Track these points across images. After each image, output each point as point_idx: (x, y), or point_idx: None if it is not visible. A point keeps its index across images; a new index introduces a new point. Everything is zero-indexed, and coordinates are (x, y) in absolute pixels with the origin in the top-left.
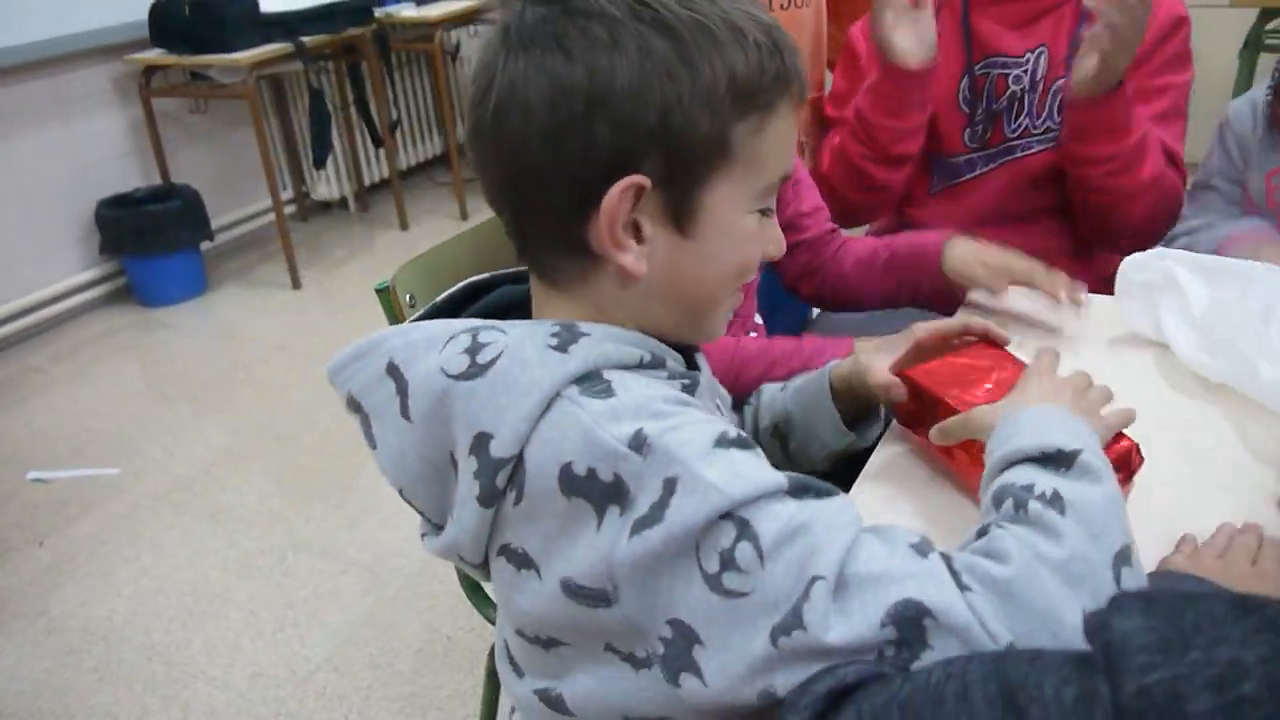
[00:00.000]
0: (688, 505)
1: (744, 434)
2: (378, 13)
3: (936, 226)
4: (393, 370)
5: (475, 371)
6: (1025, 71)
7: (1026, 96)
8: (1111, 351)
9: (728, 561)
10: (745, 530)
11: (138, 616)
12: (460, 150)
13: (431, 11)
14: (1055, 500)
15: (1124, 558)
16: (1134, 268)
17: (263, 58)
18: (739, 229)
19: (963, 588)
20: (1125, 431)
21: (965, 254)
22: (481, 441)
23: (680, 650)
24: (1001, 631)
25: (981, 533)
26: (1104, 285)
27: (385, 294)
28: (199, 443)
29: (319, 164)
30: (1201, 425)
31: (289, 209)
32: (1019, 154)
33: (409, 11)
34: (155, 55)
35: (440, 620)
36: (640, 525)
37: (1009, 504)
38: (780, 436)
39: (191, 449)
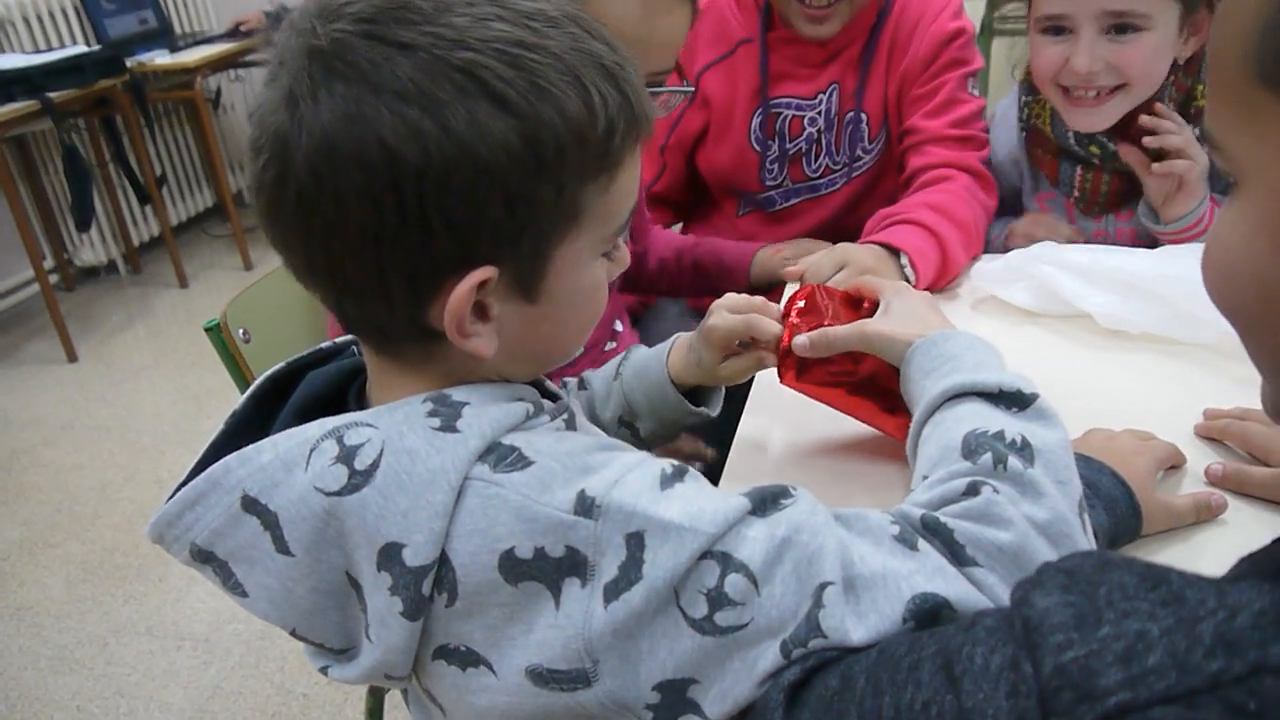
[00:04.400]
0: (665, 555)
1: (676, 464)
2: (130, 62)
3: (749, 240)
4: (251, 505)
5: (359, 481)
6: (820, 113)
7: (823, 136)
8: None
9: (718, 600)
10: (729, 563)
11: None
12: (236, 199)
13: (188, 58)
14: (1025, 449)
15: (1082, 505)
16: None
17: (4, 118)
18: (588, 280)
19: (967, 561)
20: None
21: (771, 265)
22: (391, 554)
23: (673, 702)
24: (1006, 597)
25: (971, 490)
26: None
27: (215, 332)
28: None
29: (83, 227)
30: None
31: (52, 278)
32: (824, 191)
33: (163, 59)
34: None
35: (292, 680)
36: (615, 589)
37: (988, 458)
38: (628, 425)
39: None
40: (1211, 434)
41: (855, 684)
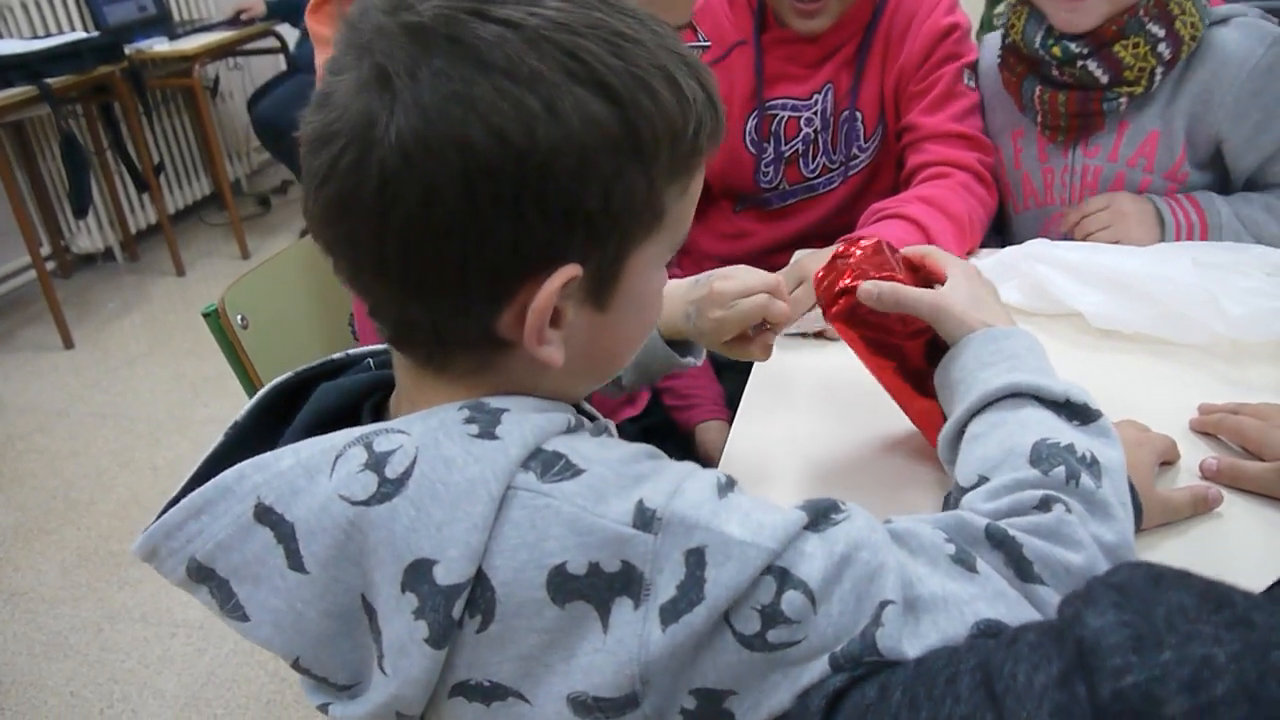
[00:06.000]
0: (727, 573)
1: (725, 475)
2: (128, 49)
3: (746, 236)
4: (265, 514)
5: (390, 490)
6: (815, 113)
7: (820, 136)
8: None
9: (772, 617)
10: (787, 579)
11: None
12: (234, 188)
13: (186, 46)
14: (1094, 466)
15: (1135, 530)
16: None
17: (2, 103)
18: (652, 289)
19: (1032, 579)
20: None
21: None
22: (420, 571)
23: (706, 709)
24: None
25: (1043, 505)
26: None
27: (214, 318)
28: None
29: (80, 214)
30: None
31: (49, 265)
32: (821, 190)
33: (162, 47)
34: None
35: (286, 668)
36: (674, 610)
37: (1060, 471)
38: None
39: None
40: (1206, 428)
41: (891, 696)
